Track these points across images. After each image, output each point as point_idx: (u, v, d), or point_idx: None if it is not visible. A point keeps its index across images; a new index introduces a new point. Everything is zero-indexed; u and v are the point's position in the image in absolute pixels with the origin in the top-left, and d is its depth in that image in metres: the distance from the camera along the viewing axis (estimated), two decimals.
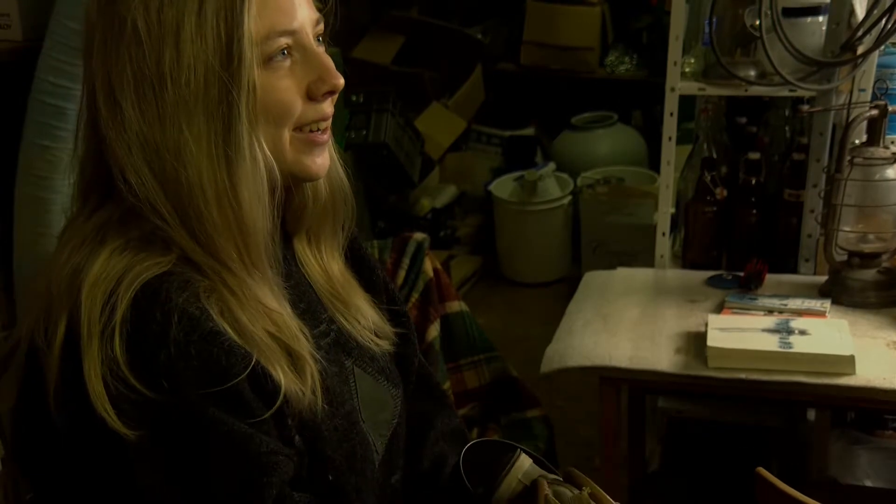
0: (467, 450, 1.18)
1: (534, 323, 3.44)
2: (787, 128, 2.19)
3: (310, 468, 1.02)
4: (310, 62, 1.00)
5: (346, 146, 3.60)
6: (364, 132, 3.73)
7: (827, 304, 1.86)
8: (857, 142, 1.86)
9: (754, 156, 2.08)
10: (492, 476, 1.14)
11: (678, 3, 2.00)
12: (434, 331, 2.11)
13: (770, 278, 2.01)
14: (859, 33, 1.86)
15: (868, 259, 1.88)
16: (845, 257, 1.91)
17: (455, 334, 2.17)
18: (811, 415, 2.30)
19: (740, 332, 1.74)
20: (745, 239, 2.12)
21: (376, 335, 1.16)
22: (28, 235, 1.87)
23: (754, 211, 2.10)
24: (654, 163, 3.89)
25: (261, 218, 0.98)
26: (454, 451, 1.25)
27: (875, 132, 1.83)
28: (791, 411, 2.36)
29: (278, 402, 0.95)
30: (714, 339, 1.70)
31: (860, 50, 1.88)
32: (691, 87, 2.05)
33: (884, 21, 1.81)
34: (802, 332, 1.72)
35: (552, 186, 3.92)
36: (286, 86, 0.98)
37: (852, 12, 1.90)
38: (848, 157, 1.84)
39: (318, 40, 1.03)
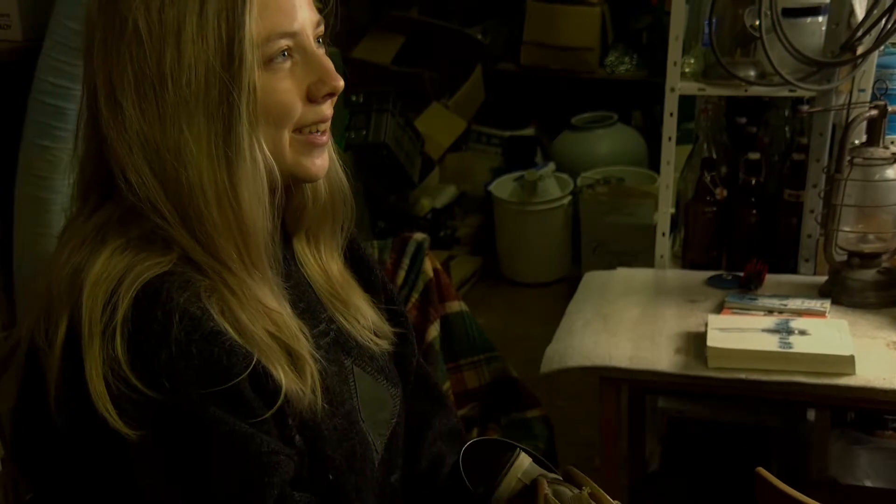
0: (467, 449, 1.18)
1: (534, 323, 3.44)
2: (786, 128, 2.19)
3: (310, 468, 1.02)
4: (310, 64, 1.00)
5: (346, 146, 3.61)
6: (364, 132, 3.73)
7: (827, 304, 1.86)
8: (856, 142, 1.86)
9: (754, 156, 2.08)
10: (491, 475, 1.14)
11: (678, 3, 2.00)
12: (434, 331, 2.11)
13: (770, 278, 2.01)
14: (859, 33, 1.86)
15: (868, 259, 1.88)
16: (845, 257, 1.91)
17: (455, 334, 2.17)
18: (811, 415, 2.30)
19: (740, 332, 1.74)
20: (745, 239, 2.12)
21: (375, 335, 1.17)
22: (28, 235, 1.87)
23: (754, 211, 2.10)
24: (654, 163, 3.89)
25: (261, 218, 0.98)
26: (452, 451, 1.26)
27: (875, 132, 1.83)
28: (791, 411, 2.36)
29: (279, 402, 0.95)
30: (714, 340, 1.70)
31: (860, 50, 1.89)
32: (691, 88, 2.05)
33: (883, 21, 1.81)
34: (802, 333, 1.72)
35: (552, 186, 3.92)
36: (286, 87, 0.99)
37: (852, 12, 1.90)
38: (848, 158, 1.84)
39: (319, 42, 1.03)
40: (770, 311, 1.83)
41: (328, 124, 1.04)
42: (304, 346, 1.00)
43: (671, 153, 2.10)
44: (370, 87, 3.81)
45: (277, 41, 0.97)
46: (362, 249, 1.25)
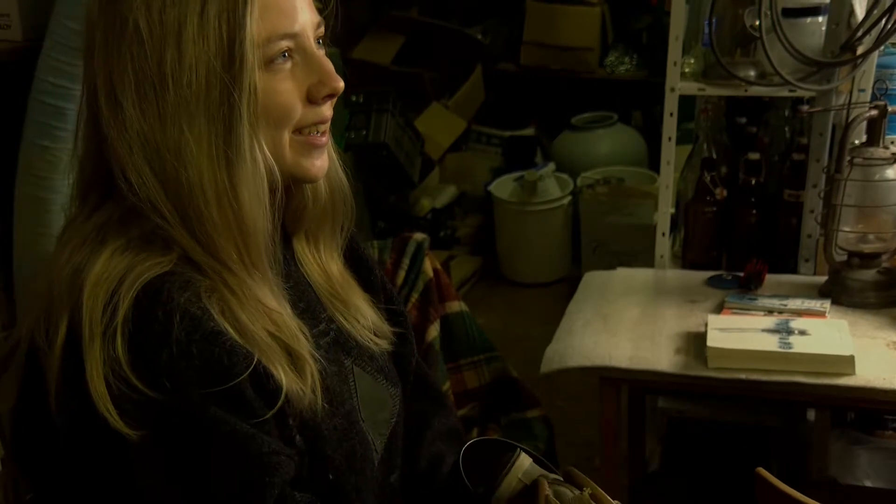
0: (467, 449, 1.18)
1: (534, 323, 3.44)
2: (786, 128, 2.19)
3: (310, 468, 1.02)
4: (310, 65, 1.00)
5: (345, 146, 3.61)
6: (364, 132, 3.73)
7: (827, 304, 1.86)
8: (856, 142, 1.86)
9: (754, 156, 2.08)
10: (492, 475, 1.14)
11: (678, 3, 2.00)
12: (434, 331, 2.11)
13: (770, 278, 2.01)
14: (859, 33, 1.86)
15: (868, 259, 1.88)
16: (845, 257, 1.91)
17: (455, 334, 2.17)
18: (811, 415, 2.30)
19: (740, 332, 1.74)
20: (745, 239, 2.12)
21: (375, 335, 1.17)
22: (28, 235, 1.87)
23: (754, 211, 2.10)
24: (654, 163, 3.89)
25: (261, 219, 0.98)
26: (451, 451, 1.26)
27: (875, 132, 1.83)
28: (791, 411, 2.36)
29: (280, 402, 0.95)
30: (714, 340, 1.70)
31: (860, 50, 1.89)
32: (691, 88, 2.05)
33: (883, 21, 1.81)
34: (802, 333, 1.72)
35: (552, 186, 3.93)
36: (286, 88, 0.99)
37: (852, 12, 1.90)
38: (848, 158, 1.84)
39: (319, 43, 1.03)
40: (770, 312, 1.83)
41: (328, 125, 1.05)
42: (304, 345, 1.00)
43: (671, 153, 2.10)
44: (370, 87, 3.81)
45: (278, 42, 0.97)
46: (361, 249, 1.25)
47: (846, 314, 1.84)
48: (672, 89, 2.03)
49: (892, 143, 1.92)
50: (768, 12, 1.85)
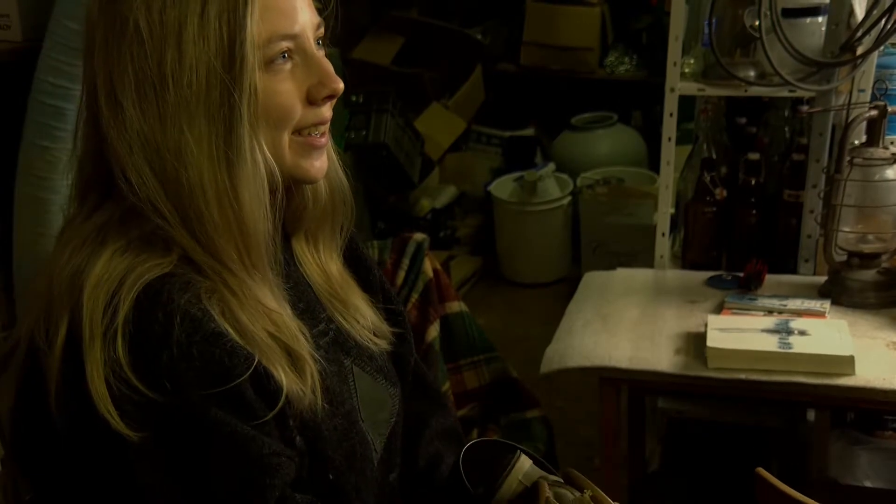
0: (467, 450, 1.18)
1: (534, 323, 3.44)
2: (786, 128, 2.19)
3: (310, 468, 1.02)
4: (310, 66, 1.00)
5: (345, 147, 3.61)
6: (364, 132, 3.73)
7: (826, 304, 1.86)
8: (856, 142, 1.86)
9: (754, 156, 2.08)
10: (492, 476, 1.14)
11: (678, 3, 2.00)
12: (434, 331, 2.11)
13: (770, 279, 2.01)
14: (859, 34, 1.86)
15: (868, 259, 1.88)
16: (845, 258, 1.91)
17: (455, 335, 2.17)
18: (811, 415, 2.30)
19: (740, 332, 1.74)
20: (745, 239, 2.12)
21: (374, 335, 1.17)
22: (28, 235, 1.87)
23: (754, 211, 2.10)
24: (653, 163, 3.89)
25: (261, 219, 0.98)
26: (449, 451, 1.26)
27: (874, 132, 1.83)
28: (791, 411, 2.36)
29: (280, 403, 0.95)
30: (714, 340, 1.70)
31: (860, 50, 1.89)
32: (691, 88, 2.05)
33: (883, 21, 1.81)
34: (802, 333, 1.72)
35: (552, 187, 3.93)
36: (286, 89, 0.99)
37: (852, 13, 1.90)
38: (847, 158, 1.84)
39: (319, 44, 1.03)
40: (770, 312, 1.83)
41: (327, 126, 1.05)
42: (303, 346, 1.00)
43: (671, 153, 2.10)
44: (370, 88, 3.81)
45: (278, 43, 0.97)
46: (361, 249, 1.25)
47: (846, 314, 1.84)
48: (672, 89, 2.03)
49: (892, 143, 1.92)
50: (768, 12, 1.85)
